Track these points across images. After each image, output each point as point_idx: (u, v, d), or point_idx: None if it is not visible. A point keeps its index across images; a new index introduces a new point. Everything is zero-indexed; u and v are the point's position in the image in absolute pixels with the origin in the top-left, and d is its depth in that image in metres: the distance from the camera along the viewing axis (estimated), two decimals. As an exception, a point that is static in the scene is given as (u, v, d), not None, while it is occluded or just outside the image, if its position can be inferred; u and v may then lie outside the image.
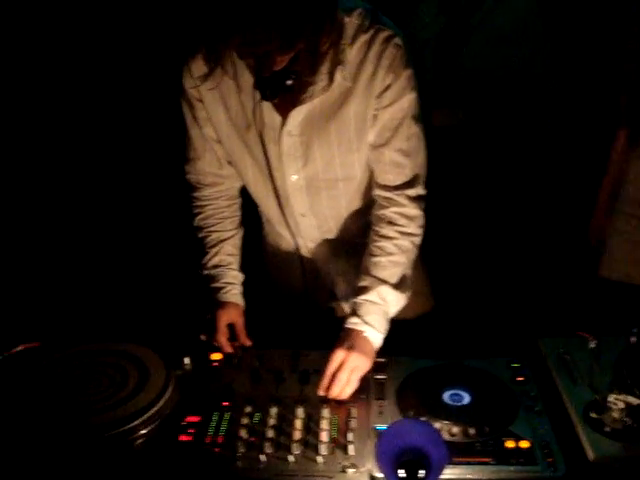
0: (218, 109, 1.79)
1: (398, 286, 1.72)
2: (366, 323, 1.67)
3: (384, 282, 1.70)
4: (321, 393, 1.60)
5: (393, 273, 1.72)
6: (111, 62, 3.18)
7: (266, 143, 1.76)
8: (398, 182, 1.75)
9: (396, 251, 1.73)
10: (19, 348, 1.80)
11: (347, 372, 1.59)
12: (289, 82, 1.57)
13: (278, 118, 1.71)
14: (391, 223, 1.75)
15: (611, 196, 2.43)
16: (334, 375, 1.60)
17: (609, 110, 2.45)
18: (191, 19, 1.54)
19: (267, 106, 1.69)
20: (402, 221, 1.75)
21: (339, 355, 1.62)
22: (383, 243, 1.74)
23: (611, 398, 1.46)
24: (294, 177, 1.81)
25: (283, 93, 1.60)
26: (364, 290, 1.71)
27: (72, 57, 3.16)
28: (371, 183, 1.83)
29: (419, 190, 1.77)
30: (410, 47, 1.68)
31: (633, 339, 1.55)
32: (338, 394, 1.58)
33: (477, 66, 3.16)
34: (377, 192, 1.79)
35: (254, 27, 1.38)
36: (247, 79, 1.68)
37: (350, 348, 1.62)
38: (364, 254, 1.78)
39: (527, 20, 3.07)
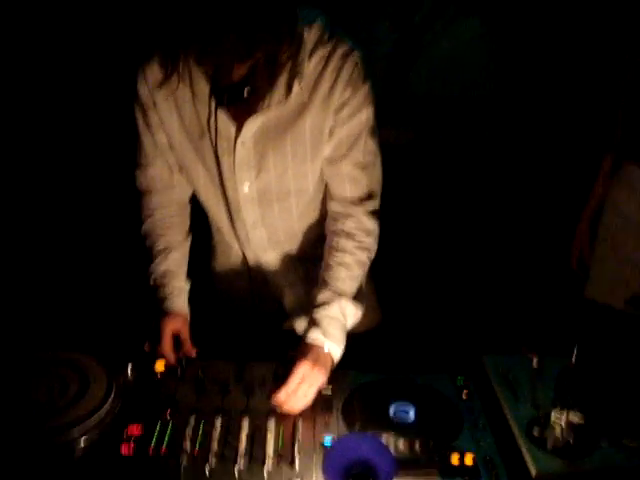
0: (172, 116, 1.76)
1: (355, 299, 1.73)
2: (328, 338, 1.66)
3: (343, 296, 1.70)
4: (275, 404, 1.58)
5: (351, 286, 1.73)
6: (108, 62, 3.13)
7: (219, 153, 1.74)
8: (355, 196, 1.76)
9: (354, 265, 1.74)
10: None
11: (306, 386, 1.58)
12: (245, 91, 1.57)
13: (233, 128, 1.70)
14: (349, 236, 1.75)
15: (592, 222, 2.46)
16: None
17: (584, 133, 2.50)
18: (150, 23, 1.52)
19: (222, 115, 1.68)
20: (359, 235, 1.75)
21: (303, 369, 1.60)
22: (341, 257, 1.74)
23: (553, 416, 1.49)
24: (246, 188, 1.79)
25: (239, 102, 1.59)
26: (324, 305, 1.70)
27: (70, 56, 3.11)
28: (323, 197, 1.84)
29: (375, 205, 1.78)
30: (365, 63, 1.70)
31: (574, 358, 1.58)
32: (291, 407, 1.57)
33: (423, 89, 3.21)
34: (332, 206, 1.79)
35: (214, 35, 1.37)
36: (203, 87, 1.66)
37: (314, 363, 1.62)
38: (321, 267, 1.78)
39: (471, 44, 3.14)
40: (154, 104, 1.76)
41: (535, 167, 3.13)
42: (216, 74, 1.55)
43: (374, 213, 1.78)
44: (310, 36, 1.62)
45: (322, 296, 1.72)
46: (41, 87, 3.13)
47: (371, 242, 1.78)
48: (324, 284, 1.74)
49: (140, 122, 1.83)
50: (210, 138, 1.73)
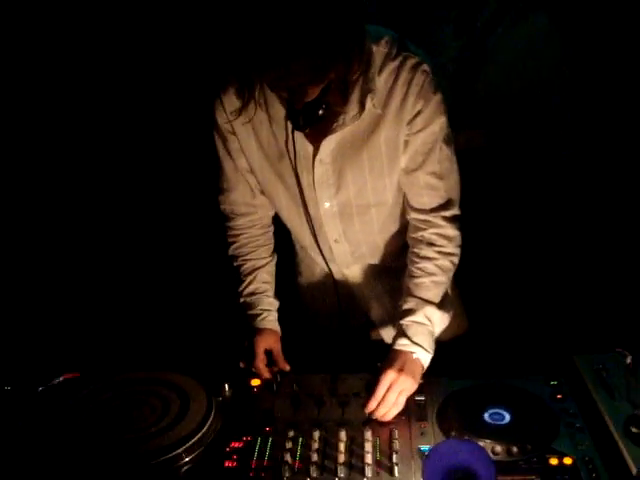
0: (250, 141, 1.82)
1: (441, 306, 1.75)
2: (415, 344, 1.68)
3: (429, 303, 1.73)
4: (367, 412, 1.61)
5: (436, 293, 1.75)
6: (120, 69, 3.22)
7: (299, 172, 1.79)
8: (434, 204, 1.77)
9: (437, 271, 1.76)
10: (60, 379, 1.82)
11: (395, 393, 1.61)
12: (321, 112, 1.61)
13: (310, 147, 1.74)
14: (430, 244, 1.77)
15: None
16: (382, 396, 1.61)
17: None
18: (224, 53, 1.57)
19: (299, 136, 1.72)
20: (441, 242, 1.77)
21: (389, 376, 1.63)
22: (424, 264, 1.76)
23: (650, 412, 1.48)
24: (327, 204, 1.84)
25: (315, 123, 1.63)
26: (410, 312, 1.73)
27: (82, 62, 3.19)
28: (403, 207, 1.86)
29: (454, 211, 1.79)
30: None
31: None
32: (383, 415, 1.60)
33: (493, 91, 3.19)
34: (413, 215, 1.82)
35: (288, 62, 1.41)
36: (278, 110, 1.71)
37: (400, 370, 1.64)
38: (404, 276, 1.80)
39: (543, 40, 3.09)
40: (233, 131, 1.82)
41: (614, 166, 3.07)
42: (291, 98, 1.58)
43: (454, 219, 1.80)
44: (379, 52, 1.64)
45: (408, 304, 1.75)
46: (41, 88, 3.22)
47: (453, 248, 1.79)
48: (409, 293, 1.76)
49: (220, 148, 1.89)
50: (289, 159, 1.77)
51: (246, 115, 1.72)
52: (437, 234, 1.78)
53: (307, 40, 1.39)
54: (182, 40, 3.01)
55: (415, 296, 1.74)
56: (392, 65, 1.65)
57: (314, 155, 1.74)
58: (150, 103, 3.21)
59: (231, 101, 1.76)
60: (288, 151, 1.76)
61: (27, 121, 3.22)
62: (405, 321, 1.72)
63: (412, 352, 1.68)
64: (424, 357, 1.69)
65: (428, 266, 1.76)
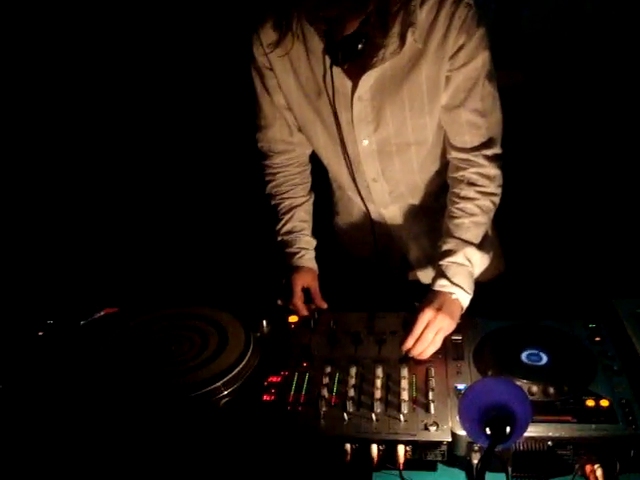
0: (288, 76, 1.80)
1: (481, 246, 1.73)
2: (455, 285, 1.68)
3: (469, 243, 1.72)
4: (404, 350, 1.62)
5: (476, 234, 1.73)
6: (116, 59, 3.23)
7: (337, 109, 1.77)
8: (475, 143, 1.75)
9: (478, 212, 1.74)
10: (101, 313, 1.86)
11: (433, 332, 1.61)
12: (360, 46, 1.58)
13: (349, 83, 1.71)
14: (471, 184, 1.76)
15: None
16: (419, 334, 1.62)
17: None
18: None
19: (338, 72, 1.69)
20: (482, 181, 1.75)
21: (427, 315, 1.64)
22: (464, 204, 1.75)
23: (690, 356, 1.46)
24: (365, 142, 1.82)
25: (354, 58, 1.61)
26: (450, 253, 1.72)
27: (76, 56, 3.22)
28: (444, 146, 1.83)
29: (496, 149, 1.76)
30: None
31: None
32: (420, 353, 1.61)
33: (534, 28, 3.12)
34: (453, 154, 1.79)
35: None
36: (317, 45, 1.69)
37: (439, 309, 1.64)
38: (444, 217, 1.79)
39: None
40: (270, 66, 1.80)
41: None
42: (329, 30, 1.56)
43: (496, 158, 1.77)
44: None
45: (447, 245, 1.74)
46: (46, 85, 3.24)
47: (494, 187, 1.77)
48: (449, 233, 1.75)
49: (258, 85, 1.87)
50: (327, 95, 1.75)
51: (283, 48, 1.70)
52: (478, 173, 1.75)
53: None
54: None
55: (455, 237, 1.73)
56: None
57: (353, 92, 1.72)
58: (151, 94, 3.22)
59: (268, 34, 1.74)
60: (326, 87, 1.74)
61: (27, 121, 3.25)
62: (444, 262, 1.71)
63: (451, 293, 1.68)
64: (463, 298, 1.69)
65: (468, 206, 1.74)
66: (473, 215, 1.74)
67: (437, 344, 1.62)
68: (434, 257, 1.78)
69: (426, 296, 1.70)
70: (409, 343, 1.61)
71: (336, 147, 1.87)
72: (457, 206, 1.76)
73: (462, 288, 1.68)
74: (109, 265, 2.91)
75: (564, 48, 3.06)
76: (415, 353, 1.61)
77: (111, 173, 3.31)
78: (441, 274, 1.71)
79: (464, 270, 1.70)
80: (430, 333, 1.61)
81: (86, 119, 3.29)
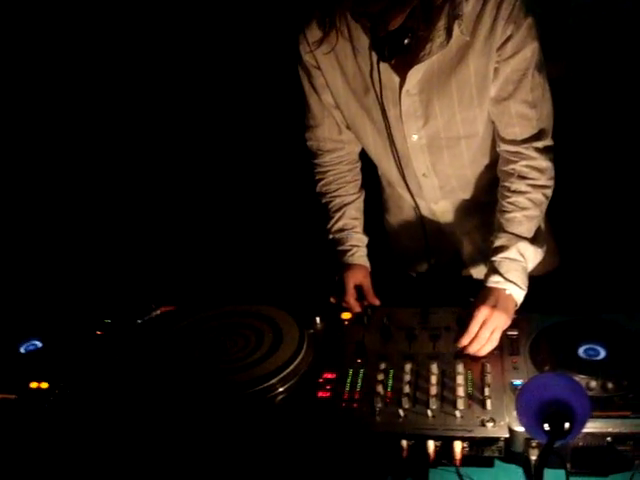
0: (335, 74, 1.81)
1: (535, 240, 1.72)
2: (509, 281, 1.67)
3: (521, 238, 1.70)
4: (460, 347, 1.61)
5: (529, 228, 1.72)
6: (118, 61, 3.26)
7: (385, 105, 1.77)
8: (525, 135, 1.73)
9: (530, 205, 1.72)
10: (157, 312, 1.89)
11: (489, 330, 1.60)
12: (406, 41, 1.58)
13: (396, 78, 1.71)
14: (522, 177, 1.74)
15: None
16: (475, 333, 1.61)
17: None
18: None
19: (385, 67, 1.69)
20: (533, 174, 1.73)
21: (483, 313, 1.63)
22: (516, 198, 1.73)
23: None
24: (415, 137, 1.81)
25: (400, 53, 1.61)
26: (502, 249, 1.70)
27: (77, 56, 3.25)
28: (494, 139, 1.82)
29: (547, 141, 1.74)
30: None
31: None
32: (477, 351, 1.60)
33: (581, 20, 3.07)
34: (503, 147, 1.78)
35: None
36: (363, 42, 1.69)
37: (494, 306, 1.63)
38: (496, 211, 1.78)
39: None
40: (317, 65, 1.81)
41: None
42: (374, 25, 1.56)
43: (547, 150, 1.75)
44: None
45: (499, 241, 1.72)
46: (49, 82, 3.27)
47: (546, 180, 1.75)
48: (501, 228, 1.74)
49: (306, 84, 1.89)
50: (375, 92, 1.75)
51: (329, 45, 1.71)
52: (529, 166, 1.73)
53: None
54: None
55: (507, 231, 1.72)
56: None
57: (400, 86, 1.72)
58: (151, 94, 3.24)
59: (313, 32, 1.75)
60: (373, 83, 1.74)
61: (27, 121, 3.30)
62: (497, 257, 1.70)
63: (505, 289, 1.66)
64: (517, 294, 1.67)
65: (520, 200, 1.73)
66: (525, 209, 1.72)
67: (494, 342, 1.61)
68: (487, 252, 1.77)
69: (480, 293, 1.69)
70: (465, 341, 1.61)
71: (385, 143, 1.87)
72: (508, 200, 1.74)
73: (516, 284, 1.67)
74: (165, 264, 2.96)
75: (609, 41, 3.00)
76: (471, 351, 1.60)
77: (143, 172, 3.35)
78: (494, 270, 1.69)
79: (517, 265, 1.69)
80: (486, 331, 1.60)
81: (88, 119, 3.34)
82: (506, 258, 1.69)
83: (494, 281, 1.68)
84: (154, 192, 3.32)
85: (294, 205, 3.11)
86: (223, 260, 3.07)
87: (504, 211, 1.75)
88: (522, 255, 1.69)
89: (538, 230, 1.74)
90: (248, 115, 3.32)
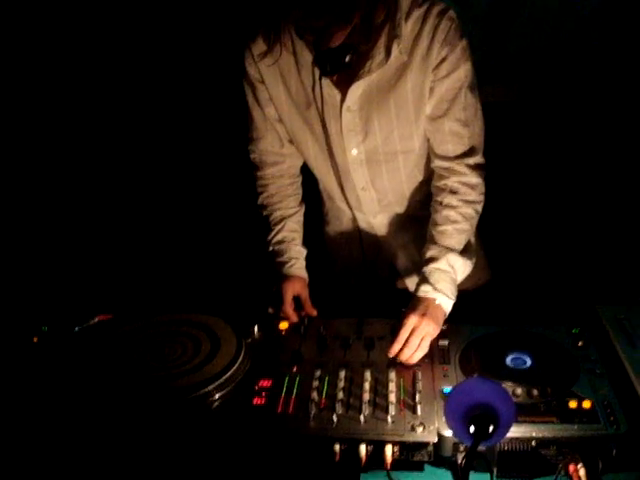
0: (279, 88, 1.85)
1: (464, 253, 1.78)
2: (437, 290, 1.72)
3: (451, 250, 1.76)
4: (391, 356, 1.65)
5: (459, 241, 1.77)
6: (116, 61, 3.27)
7: (326, 120, 1.82)
8: (458, 152, 1.80)
9: (460, 219, 1.78)
10: (95, 320, 1.88)
11: (418, 338, 1.65)
12: (347, 58, 1.63)
13: (337, 94, 1.76)
14: (453, 192, 1.80)
15: None
16: (406, 340, 1.65)
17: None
18: None
19: (326, 83, 1.74)
20: (464, 190, 1.80)
21: (412, 321, 1.67)
22: (447, 212, 1.79)
23: (672, 360, 1.50)
24: (354, 151, 1.86)
25: (342, 69, 1.66)
26: (433, 260, 1.76)
27: (77, 56, 3.24)
28: (429, 156, 1.88)
29: (478, 159, 1.81)
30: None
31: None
32: (408, 358, 1.64)
33: (523, 46, 3.17)
34: (437, 163, 1.84)
35: (313, 1, 1.44)
36: (306, 57, 1.74)
37: (423, 315, 1.68)
38: (428, 224, 1.83)
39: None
40: (262, 79, 1.85)
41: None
42: (317, 41, 1.60)
43: (478, 167, 1.81)
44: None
45: (431, 252, 1.78)
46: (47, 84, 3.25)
47: (476, 195, 1.82)
48: (432, 240, 1.79)
49: (250, 97, 1.92)
50: (316, 107, 1.80)
51: (273, 57, 1.75)
52: (460, 182, 1.80)
53: None
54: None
55: (438, 244, 1.77)
56: (419, 11, 1.68)
57: (341, 102, 1.77)
58: (152, 91, 3.25)
59: (258, 45, 1.79)
60: (315, 98, 1.79)
61: (27, 121, 3.27)
62: (428, 268, 1.75)
63: (434, 298, 1.71)
64: (446, 303, 1.73)
65: (451, 214, 1.79)
66: (455, 222, 1.78)
67: (424, 349, 1.65)
68: (421, 265, 1.82)
69: (411, 302, 1.74)
70: (395, 349, 1.65)
71: (326, 157, 1.92)
72: (440, 214, 1.80)
73: (445, 294, 1.72)
74: (103, 272, 2.93)
75: (557, 66, 3.11)
76: (403, 358, 1.64)
77: (103, 179, 3.32)
78: (424, 280, 1.75)
79: (447, 276, 1.74)
80: (416, 339, 1.65)
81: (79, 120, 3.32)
82: (436, 269, 1.74)
83: (424, 290, 1.73)
84: (92, 199, 3.29)
85: (233, 214, 3.14)
86: (162, 268, 3.06)
87: (436, 224, 1.80)
88: (451, 266, 1.75)
89: (468, 243, 1.81)
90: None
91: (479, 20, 3.14)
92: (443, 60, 1.70)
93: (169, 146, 3.32)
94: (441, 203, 1.81)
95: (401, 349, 1.65)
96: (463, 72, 1.72)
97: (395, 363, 1.64)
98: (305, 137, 1.91)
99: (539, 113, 3.07)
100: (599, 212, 3.05)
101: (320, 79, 1.72)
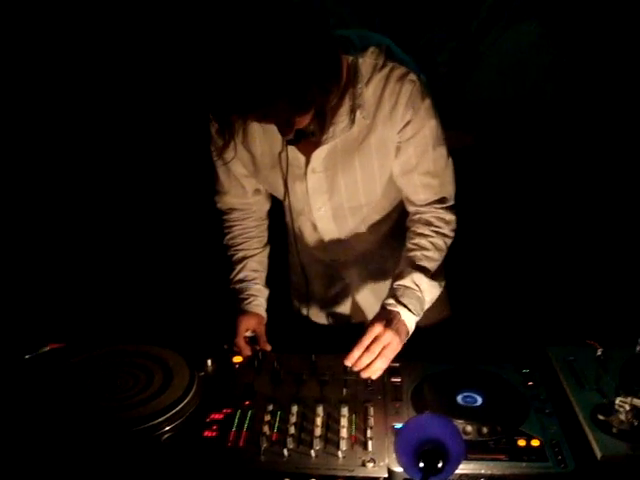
0: (244, 151, 1.87)
1: (432, 276, 1.80)
2: (401, 304, 1.73)
3: (418, 270, 1.78)
4: (349, 363, 1.65)
5: (427, 266, 1.80)
6: (116, 66, 3.27)
7: (292, 181, 1.85)
8: (430, 200, 1.85)
9: (431, 247, 1.81)
10: (46, 348, 1.86)
11: (380, 346, 1.65)
12: (311, 127, 1.67)
13: (302, 158, 1.80)
14: (428, 224, 1.84)
15: None
16: (367, 347, 1.65)
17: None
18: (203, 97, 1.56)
19: (292, 148, 1.77)
20: (438, 223, 1.84)
21: (376, 329, 1.67)
22: (419, 240, 1.82)
23: (618, 401, 1.52)
24: (322, 209, 1.91)
25: (306, 137, 1.69)
26: (399, 277, 1.78)
27: (76, 59, 3.25)
28: (390, 198, 1.93)
29: (449, 203, 1.86)
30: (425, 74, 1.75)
31: (639, 347, 1.62)
32: (366, 367, 1.64)
33: (484, 95, 3.25)
34: (410, 208, 1.89)
35: (267, 103, 1.45)
36: (272, 125, 1.71)
37: (387, 325, 1.68)
38: (403, 251, 1.85)
39: (534, 47, 3.15)
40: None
41: (599, 168, 3.13)
42: (281, 130, 1.63)
43: (451, 208, 1.86)
44: (365, 63, 1.69)
45: (399, 270, 1.81)
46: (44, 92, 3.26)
47: (448, 230, 1.85)
48: (402, 262, 1.82)
49: (215, 155, 1.92)
50: (281, 168, 1.83)
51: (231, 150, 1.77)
52: (435, 216, 1.84)
53: (286, 83, 1.42)
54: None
55: (407, 264, 1.80)
56: (379, 75, 1.70)
57: (306, 165, 1.80)
58: (149, 102, 3.26)
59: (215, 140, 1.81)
60: (280, 161, 1.81)
61: (27, 121, 3.27)
62: (394, 284, 1.78)
63: (398, 312, 1.72)
64: (409, 318, 1.73)
65: (422, 241, 1.82)
66: (425, 249, 1.81)
67: (384, 360, 1.65)
68: (382, 298, 1.83)
69: (376, 314, 1.75)
70: (355, 355, 1.65)
71: (289, 216, 1.98)
72: (412, 241, 1.83)
73: (408, 308, 1.73)
74: (56, 298, 2.89)
75: (515, 113, 3.18)
76: (361, 365, 1.64)
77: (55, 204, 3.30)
78: (390, 294, 1.77)
79: (411, 293, 1.75)
80: (377, 346, 1.65)
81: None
82: (401, 285, 1.76)
83: (388, 303, 1.74)
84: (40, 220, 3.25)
85: (192, 248, 3.13)
86: (117, 297, 3.03)
87: (407, 250, 1.83)
88: (417, 285, 1.76)
89: (437, 270, 1.83)
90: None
91: (442, 66, 3.22)
92: (407, 123, 1.73)
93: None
94: (415, 232, 1.84)
95: (360, 355, 1.65)
96: (428, 130, 1.75)
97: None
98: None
99: (496, 159, 3.13)
100: (551, 257, 3.11)
101: (285, 145, 1.75)
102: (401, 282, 1.77)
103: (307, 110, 1.56)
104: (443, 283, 1.87)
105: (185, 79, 1.94)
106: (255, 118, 1.57)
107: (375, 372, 1.66)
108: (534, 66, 3.17)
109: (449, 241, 1.86)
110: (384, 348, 1.66)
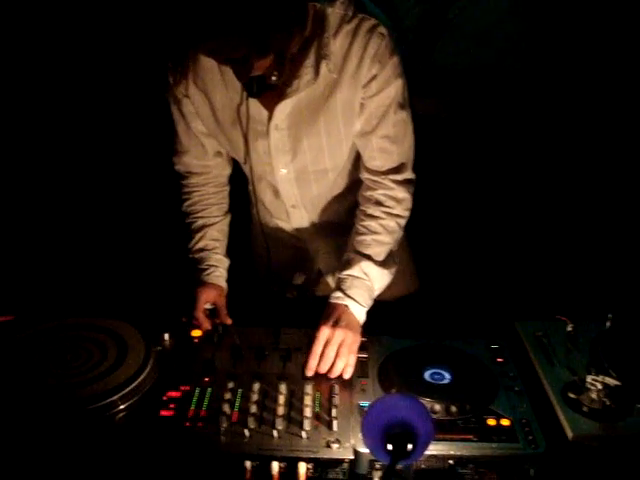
0: (205, 104, 1.79)
1: (382, 263, 1.74)
2: (349, 297, 1.68)
3: (367, 258, 1.73)
4: (309, 374, 1.59)
5: (377, 252, 1.75)
6: (106, 61, 3.18)
7: (253, 138, 1.77)
8: (386, 167, 1.77)
9: (381, 230, 1.76)
10: (-6, 322, 1.77)
11: (334, 347, 1.60)
12: (273, 78, 1.59)
13: (265, 113, 1.71)
14: (378, 204, 1.77)
15: None
16: (322, 353, 1.60)
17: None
18: (159, 27, 1.52)
19: (254, 101, 1.69)
20: (389, 202, 1.77)
21: (324, 332, 1.62)
22: (369, 222, 1.76)
23: (589, 379, 1.49)
24: (283, 171, 1.83)
25: (268, 89, 1.61)
26: (347, 265, 1.73)
27: (70, 56, 3.16)
28: (357, 165, 1.85)
29: (407, 174, 1.79)
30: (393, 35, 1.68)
31: (608, 323, 1.59)
32: (331, 371, 1.59)
33: (449, 62, 3.19)
34: (366, 175, 1.81)
35: (218, 36, 1.39)
36: (232, 76, 1.66)
37: (335, 324, 1.64)
38: (351, 233, 1.80)
39: (501, 18, 3.10)
40: (186, 94, 1.78)
41: (564, 140, 3.12)
42: (237, 72, 1.56)
43: (406, 182, 1.79)
44: (334, 14, 1.61)
45: (346, 257, 1.76)
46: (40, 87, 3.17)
47: (401, 210, 1.79)
48: (351, 247, 1.77)
49: (175, 111, 1.86)
50: (241, 125, 1.75)
51: (179, 92, 1.73)
52: (386, 195, 1.78)
53: (241, 11, 1.35)
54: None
55: (355, 251, 1.75)
56: (347, 28, 1.62)
57: (269, 121, 1.72)
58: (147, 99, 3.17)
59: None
60: (240, 117, 1.73)
61: (27, 121, 3.18)
62: (342, 274, 1.73)
63: (346, 305, 1.68)
64: (358, 311, 1.69)
65: (372, 224, 1.76)
66: (376, 233, 1.76)
67: (346, 358, 1.60)
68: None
69: (324, 310, 1.70)
70: (312, 365, 1.60)
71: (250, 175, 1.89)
72: (362, 223, 1.78)
73: (356, 301, 1.68)
74: (4, 270, 2.79)
75: (481, 79, 3.14)
76: (323, 371, 1.59)
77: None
78: (337, 286, 1.72)
79: (360, 283, 1.71)
80: (331, 350, 1.60)
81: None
82: (349, 275, 1.72)
83: (335, 297, 1.70)
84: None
85: (152, 217, 3.06)
86: (71, 268, 2.95)
87: (356, 233, 1.78)
88: (366, 274, 1.72)
89: (388, 255, 1.77)
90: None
91: (410, 32, 3.15)
92: (373, 78, 1.66)
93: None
94: (365, 212, 1.79)
95: (319, 362, 1.59)
96: (394, 89, 1.69)
97: (312, 377, 1.58)
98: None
99: (467, 127, 3.09)
100: (521, 229, 3.10)
101: (247, 98, 1.67)
102: (349, 271, 1.72)
103: (265, 53, 1.49)
104: (395, 267, 1.81)
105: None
106: (209, 52, 1.48)
107: (345, 372, 1.59)
108: (500, 36, 3.12)
109: (403, 221, 1.81)
110: (340, 347, 1.61)
